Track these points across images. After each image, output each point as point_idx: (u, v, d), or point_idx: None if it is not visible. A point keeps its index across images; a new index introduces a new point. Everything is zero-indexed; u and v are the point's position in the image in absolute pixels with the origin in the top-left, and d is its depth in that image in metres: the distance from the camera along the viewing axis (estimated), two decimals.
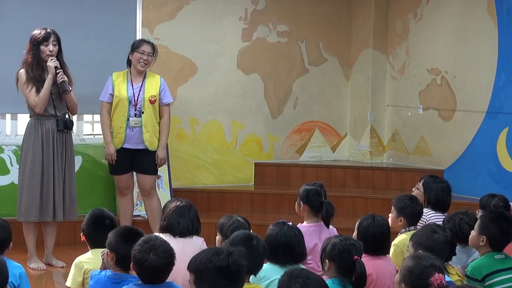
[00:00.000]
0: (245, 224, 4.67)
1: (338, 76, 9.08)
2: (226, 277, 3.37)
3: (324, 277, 4.11)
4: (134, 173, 7.19)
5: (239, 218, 4.71)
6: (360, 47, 8.99)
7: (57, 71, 6.43)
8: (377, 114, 8.93)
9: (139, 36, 7.80)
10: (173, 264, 3.80)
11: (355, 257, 3.97)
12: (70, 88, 6.54)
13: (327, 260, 4.03)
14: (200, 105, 8.36)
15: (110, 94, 7.00)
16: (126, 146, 6.99)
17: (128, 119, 6.96)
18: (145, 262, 3.72)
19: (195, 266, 3.43)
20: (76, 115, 7.44)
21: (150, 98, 7.00)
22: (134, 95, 6.99)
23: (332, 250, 4.01)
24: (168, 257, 3.77)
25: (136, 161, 7.06)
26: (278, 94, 8.76)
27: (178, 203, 4.85)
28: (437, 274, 3.52)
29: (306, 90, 8.91)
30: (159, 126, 7.05)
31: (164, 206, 5.02)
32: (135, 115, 6.98)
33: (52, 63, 6.44)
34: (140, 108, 6.98)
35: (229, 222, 4.67)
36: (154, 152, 7.03)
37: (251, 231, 4.59)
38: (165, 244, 3.82)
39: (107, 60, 7.61)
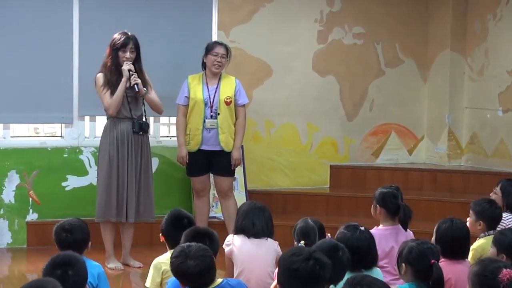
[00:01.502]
0: (313, 227, 4.67)
1: (414, 78, 8.97)
2: (295, 278, 3.35)
3: (401, 281, 4.08)
4: (211, 175, 7.24)
5: (309, 220, 4.73)
6: (437, 48, 8.85)
7: (131, 74, 6.51)
8: (455, 116, 8.79)
9: (215, 39, 7.84)
10: (214, 261, 3.76)
11: (432, 261, 3.92)
12: (146, 90, 6.62)
13: (403, 264, 3.99)
14: (275, 107, 8.37)
15: (186, 96, 7.07)
16: (204, 148, 7.04)
17: (204, 121, 7.01)
18: (187, 270, 3.68)
19: (279, 260, 3.47)
20: (152, 117, 7.58)
21: (225, 100, 7.03)
22: (209, 97, 7.03)
23: (409, 254, 3.97)
24: (207, 256, 3.72)
25: (213, 162, 7.10)
26: (353, 96, 8.70)
27: (252, 205, 4.93)
28: (505, 270, 3.46)
29: (382, 92, 8.82)
30: (234, 127, 7.10)
31: (239, 208, 5.06)
32: (211, 116, 7.03)
33: (126, 66, 6.53)
34: (216, 109, 7.02)
35: (299, 225, 4.71)
36: (230, 153, 7.06)
37: (328, 235, 4.57)
38: (198, 245, 3.78)
39: (184, 63, 7.68)
